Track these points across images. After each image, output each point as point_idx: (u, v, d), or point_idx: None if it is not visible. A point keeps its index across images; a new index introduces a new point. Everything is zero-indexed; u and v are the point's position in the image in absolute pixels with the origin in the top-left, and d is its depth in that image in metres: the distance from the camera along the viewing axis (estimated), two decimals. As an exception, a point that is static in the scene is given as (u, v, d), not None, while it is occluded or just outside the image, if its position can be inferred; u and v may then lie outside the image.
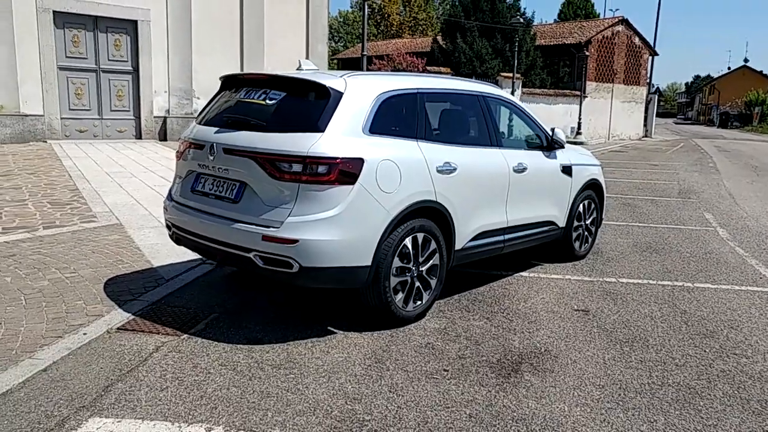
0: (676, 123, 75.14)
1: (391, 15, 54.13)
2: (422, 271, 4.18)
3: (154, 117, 16.70)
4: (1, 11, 13.97)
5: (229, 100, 4.28)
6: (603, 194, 6.60)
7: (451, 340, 3.98)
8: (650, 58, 34.11)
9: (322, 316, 4.26)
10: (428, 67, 22.56)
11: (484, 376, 3.47)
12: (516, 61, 23.14)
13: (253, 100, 4.00)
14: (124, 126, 16.50)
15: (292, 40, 18.51)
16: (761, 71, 69.41)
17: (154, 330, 3.86)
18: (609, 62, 30.38)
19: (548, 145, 5.58)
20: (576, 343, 4.04)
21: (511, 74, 23.24)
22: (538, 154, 5.46)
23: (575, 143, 23.30)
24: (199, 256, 5.41)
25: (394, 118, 4.09)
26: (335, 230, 3.59)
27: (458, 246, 4.47)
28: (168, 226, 4.45)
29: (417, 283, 4.15)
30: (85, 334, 3.72)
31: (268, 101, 3.91)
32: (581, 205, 6.08)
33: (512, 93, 23.01)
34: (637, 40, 32.16)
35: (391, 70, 21.13)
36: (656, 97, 39.75)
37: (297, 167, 3.56)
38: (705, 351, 4.02)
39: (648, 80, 34.66)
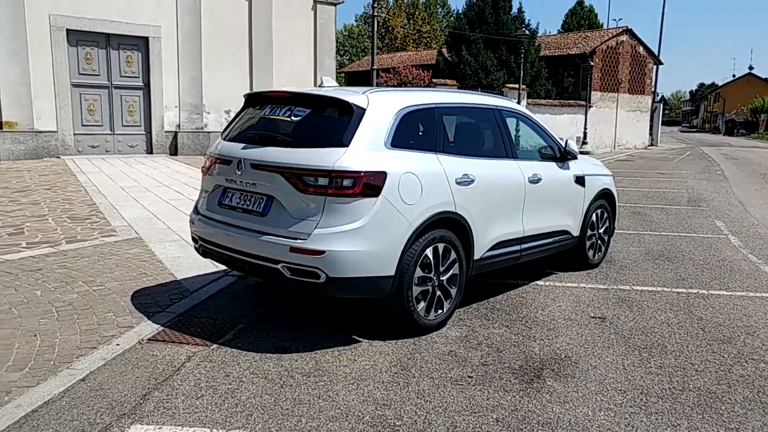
0: (682, 131, 75.05)
1: (396, 28, 54.64)
2: (443, 280, 4.28)
3: (165, 132, 16.94)
4: (16, 30, 14.28)
5: (253, 116, 4.42)
6: (615, 203, 6.69)
7: (473, 347, 4.07)
8: (655, 67, 34.25)
9: (346, 325, 4.37)
10: (434, 80, 22.75)
11: (507, 382, 3.56)
12: (521, 73, 23.31)
13: (278, 117, 4.14)
14: (135, 141, 16.74)
15: (300, 55, 18.77)
16: (766, 78, 69.41)
17: (184, 340, 3.97)
18: (614, 72, 30.52)
19: (561, 156, 5.70)
20: (595, 350, 4.12)
21: (516, 85, 23.41)
22: (552, 165, 5.56)
23: (582, 153, 23.37)
24: (220, 269, 5.54)
25: (414, 132, 4.22)
26: (360, 241, 3.70)
27: (477, 256, 4.58)
28: (195, 239, 4.58)
29: (438, 292, 4.26)
30: (118, 345, 3.84)
31: (293, 118, 4.04)
32: (594, 215, 6.18)
33: (518, 104, 23.15)
34: (641, 49, 32.33)
35: (397, 83, 21.33)
36: (661, 105, 39.83)
37: (323, 181, 3.68)
38: (723, 356, 4.09)
39: (653, 89, 34.77)
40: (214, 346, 3.91)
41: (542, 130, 5.67)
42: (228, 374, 3.50)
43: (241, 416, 3.03)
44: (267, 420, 3.00)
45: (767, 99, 59.15)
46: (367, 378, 3.52)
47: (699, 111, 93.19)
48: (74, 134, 15.63)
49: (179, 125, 17.10)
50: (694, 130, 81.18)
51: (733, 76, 76.19)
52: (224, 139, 4.49)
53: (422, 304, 4.15)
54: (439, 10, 60.15)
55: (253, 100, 4.59)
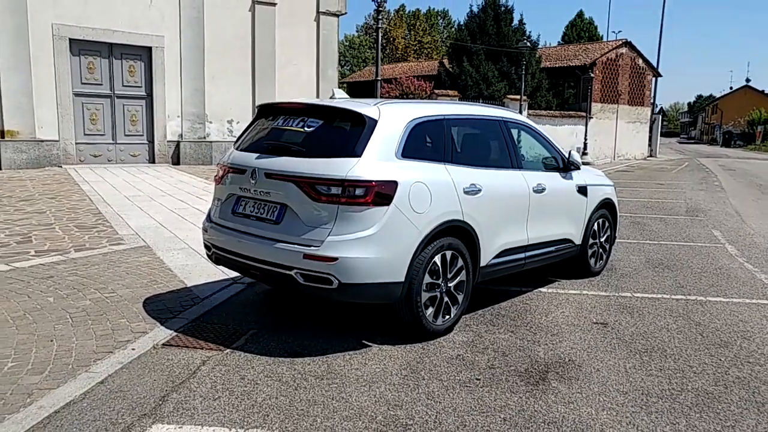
0: (680, 142, 75.49)
1: (397, 39, 55.03)
2: (450, 287, 4.40)
3: (168, 141, 17.05)
4: (18, 39, 14.42)
5: (266, 127, 4.55)
6: (616, 213, 6.82)
7: (480, 351, 4.18)
8: (654, 79, 34.57)
9: (356, 330, 4.47)
10: (435, 91, 22.96)
11: (514, 384, 3.67)
12: (522, 84, 23.54)
13: (291, 128, 4.27)
14: (137, 150, 16.86)
15: (303, 65, 18.95)
16: (763, 90, 69.95)
17: (198, 345, 4.07)
18: (613, 84, 30.81)
19: (565, 166, 5.83)
20: (598, 354, 4.23)
21: (517, 96, 23.64)
22: (556, 176, 5.69)
23: (582, 164, 23.55)
24: (230, 276, 5.65)
25: (423, 142, 4.35)
26: (372, 248, 3.82)
27: (483, 263, 4.69)
28: (207, 247, 4.69)
29: (446, 299, 4.37)
30: (133, 349, 3.94)
31: (306, 128, 4.17)
32: (596, 224, 6.30)
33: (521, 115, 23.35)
34: (640, 61, 32.65)
35: (399, 94, 21.52)
36: (660, 117, 40.15)
37: (336, 190, 3.80)
38: (720, 360, 4.20)
39: (652, 101, 35.07)
40: (228, 350, 4.01)
41: (546, 141, 5.81)
42: (243, 377, 3.60)
43: (258, 416, 3.13)
44: (284, 420, 3.11)
45: (764, 111, 59.63)
46: (378, 380, 3.62)
47: (697, 122, 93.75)
48: (76, 143, 15.73)
49: (182, 135, 17.23)
50: (692, 141, 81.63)
51: (731, 88, 76.80)
52: (237, 149, 4.61)
53: (430, 310, 4.26)
54: (440, 21, 60.66)
55: (266, 111, 4.72)
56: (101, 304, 4.84)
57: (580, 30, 45.78)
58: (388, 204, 3.87)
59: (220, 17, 17.36)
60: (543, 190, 5.32)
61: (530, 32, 30.99)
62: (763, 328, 4.95)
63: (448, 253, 4.31)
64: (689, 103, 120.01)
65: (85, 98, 15.86)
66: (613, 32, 73.93)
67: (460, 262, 4.42)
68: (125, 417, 3.08)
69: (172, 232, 7.76)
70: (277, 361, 3.85)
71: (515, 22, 27.40)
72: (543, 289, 5.86)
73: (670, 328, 4.85)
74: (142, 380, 3.50)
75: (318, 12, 18.94)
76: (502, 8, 27.07)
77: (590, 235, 6.21)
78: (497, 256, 4.84)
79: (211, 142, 17.52)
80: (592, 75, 27.77)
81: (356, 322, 4.66)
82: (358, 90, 39.36)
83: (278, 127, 4.41)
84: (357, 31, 62.35)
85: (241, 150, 4.54)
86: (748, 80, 72.71)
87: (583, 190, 5.97)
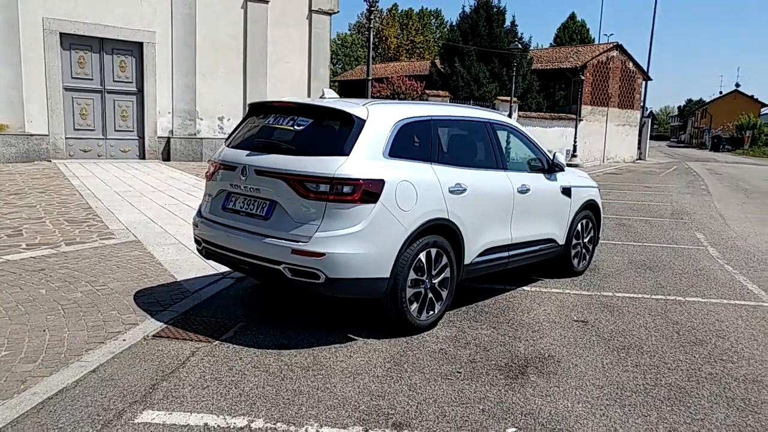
0: (670, 146, 76.22)
1: (389, 38, 55.11)
2: (435, 283, 4.52)
3: (158, 137, 17.07)
4: (9, 32, 14.40)
5: (257, 125, 4.65)
6: (600, 214, 6.97)
7: (462, 346, 4.30)
8: (644, 82, 34.93)
9: (342, 325, 4.58)
10: (427, 91, 23.09)
11: (494, 377, 3.80)
12: (513, 85, 23.73)
13: (282, 126, 4.38)
14: (128, 146, 16.86)
15: (295, 64, 19.02)
16: (752, 95, 70.77)
17: (187, 337, 4.17)
18: (604, 86, 31.11)
19: (549, 168, 5.97)
20: (576, 350, 4.37)
21: (508, 98, 23.82)
22: (540, 177, 5.83)
23: (571, 166, 23.79)
24: (219, 271, 5.74)
25: (410, 142, 4.46)
26: (358, 245, 3.94)
27: (467, 261, 4.82)
28: (198, 242, 4.78)
29: (430, 295, 4.49)
30: (124, 340, 4.03)
31: (296, 127, 4.28)
32: (580, 224, 6.45)
33: (509, 116, 23.55)
34: (631, 65, 32.98)
35: (390, 94, 21.63)
36: (650, 120, 40.55)
37: (324, 187, 3.91)
38: (695, 357, 4.36)
39: (642, 104, 35.44)
40: (217, 342, 4.11)
41: (532, 143, 5.95)
42: (231, 367, 3.71)
43: (245, 405, 3.24)
44: (270, 408, 3.22)
45: (752, 116, 60.35)
46: (362, 372, 3.74)
47: (687, 126, 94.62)
48: (66, 138, 15.72)
49: (172, 131, 17.25)
50: (682, 145, 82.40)
51: (720, 92, 77.57)
52: (228, 146, 4.71)
53: (415, 305, 4.38)
54: (433, 21, 60.84)
55: (257, 109, 4.82)
56: (92, 296, 4.92)
57: (573, 32, 46.09)
58: (374, 202, 3.99)
59: (212, 14, 17.39)
60: (527, 190, 5.45)
61: (522, 34, 31.16)
62: (737, 327, 5.11)
63: (433, 251, 4.43)
64: (679, 107, 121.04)
65: (76, 93, 15.84)
66: (605, 35, 74.09)
67: (445, 260, 4.55)
68: (116, 403, 3.17)
69: (162, 227, 7.83)
70: (264, 353, 3.96)
71: (507, 23, 27.61)
72: (526, 288, 6.00)
73: (648, 326, 5.00)
74: (132, 369, 3.60)
75: (310, 10, 19.02)
76: (495, 9, 27.28)
77: (574, 236, 6.36)
78: (481, 255, 4.97)
79: (201, 138, 17.55)
80: (582, 77, 28.04)
81: (343, 317, 4.77)
82: (349, 89, 39.40)
83: (269, 125, 4.51)
84: (349, 30, 62.45)
85: (232, 147, 4.64)
86: (737, 85, 73.49)
87: (567, 191, 6.11)
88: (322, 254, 3.85)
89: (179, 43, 16.95)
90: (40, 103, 15.14)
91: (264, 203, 4.20)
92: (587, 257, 6.78)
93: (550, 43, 47.05)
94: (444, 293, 4.62)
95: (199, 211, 4.86)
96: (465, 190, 4.67)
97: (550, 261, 6.34)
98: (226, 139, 4.89)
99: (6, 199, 9.31)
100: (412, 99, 20.81)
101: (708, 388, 3.82)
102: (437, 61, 28.81)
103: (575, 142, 27.54)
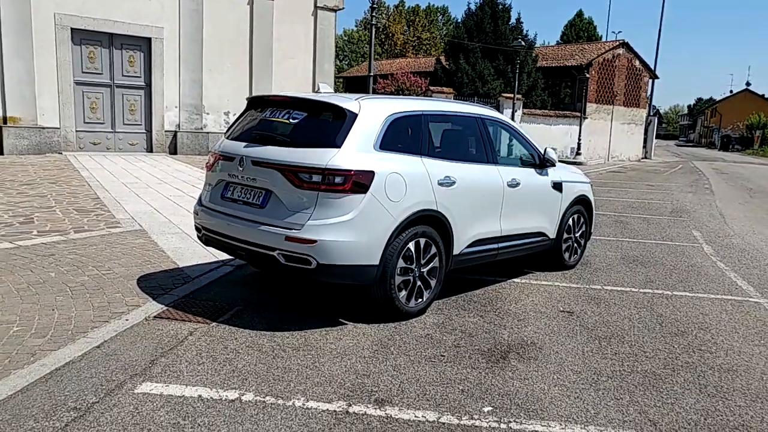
0: (678, 145, 75.92)
1: (396, 34, 55.17)
2: (423, 272, 4.71)
3: (165, 131, 17.34)
4: (21, 28, 14.70)
5: (255, 118, 4.86)
6: (592, 209, 7.12)
7: (448, 332, 4.50)
8: (650, 80, 34.89)
9: (334, 310, 4.79)
10: (431, 87, 23.23)
11: (476, 361, 3.99)
12: (517, 83, 23.83)
13: (278, 119, 4.58)
14: (135, 139, 17.14)
15: (300, 59, 19.22)
16: (763, 95, 70.28)
17: (186, 318, 4.39)
18: (609, 84, 31.13)
19: (540, 163, 6.13)
20: (559, 338, 4.55)
21: (512, 95, 23.93)
22: (531, 172, 6.00)
23: (574, 163, 23.93)
24: (219, 259, 5.96)
25: (401, 136, 4.65)
26: (349, 232, 4.14)
27: (456, 251, 5.01)
28: (198, 229, 5.00)
29: (418, 283, 4.69)
30: (127, 320, 4.26)
31: (291, 120, 4.49)
32: (571, 219, 6.61)
33: (513, 114, 23.67)
34: (637, 63, 32.96)
35: (395, 90, 21.80)
36: (656, 119, 40.48)
37: (317, 178, 4.12)
38: (674, 347, 4.53)
39: (648, 102, 35.40)
40: (214, 323, 4.33)
41: (523, 138, 6.11)
42: (226, 347, 3.92)
43: (237, 380, 3.46)
44: (260, 383, 3.43)
45: (763, 115, 59.98)
46: (350, 353, 3.95)
47: (696, 125, 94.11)
48: (76, 131, 16.03)
49: (179, 125, 17.51)
50: (691, 144, 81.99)
51: (731, 91, 77.08)
52: (227, 138, 4.92)
53: (404, 293, 4.58)
54: (440, 17, 60.84)
55: (255, 103, 5.03)
56: (98, 280, 5.15)
57: (580, 30, 46.07)
58: (364, 192, 4.18)
59: (219, 10, 17.63)
60: (517, 184, 5.63)
61: (527, 31, 31.22)
62: (721, 320, 5.26)
63: (422, 241, 4.62)
64: (689, 106, 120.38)
65: (86, 87, 16.15)
66: (613, 32, 74.46)
67: (434, 250, 4.74)
68: (118, 375, 3.40)
69: (166, 217, 8.07)
70: (258, 334, 4.18)
71: (513, 20, 27.68)
72: (517, 280, 6.18)
73: (632, 318, 5.17)
74: (134, 346, 3.83)
75: (316, 7, 19.22)
76: (500, 6, 27.37)
77: (565, 230, 6.52)
78: (470, 246, 5.15)
79: (207, 132, 17.81)
80: (587, 75, 28.08)
81: (335, 304, 4.98)
82: (355, 85, 39.59)
83: (266, 118, 4.72)
84: (356, 26, 62.56)
85: (231, 139, 4.85)
86: (748, 84, 72.94)
87: (558, 186, 6.27)
88: (314, 241, 4.06)
89: (186, 39, 17.20)
90: (52, 97, 15.45)
91: (260, 192, 4.41)
92: (578, 251, 6.94)
93: (557, 41, 47.06)
94: (433, 282, 4.81)
95: (200, 200, 5.07)
96: (454, 182, 4.85)
97: (542, 254, 6.51)
98: (226, 131, 5.10)
99: (19, 189, 9.58)
100: (417, 95, 20.99)
101: (683, 375, 3.99)
102: (442, 58, 28.94)
103: (579, 140, 27.63)
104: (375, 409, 3.23)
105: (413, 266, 4.60)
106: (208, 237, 4.84)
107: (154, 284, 5.14)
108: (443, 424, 3.14)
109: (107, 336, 3.92)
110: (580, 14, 47.44)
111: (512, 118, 23.51)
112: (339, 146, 4.20)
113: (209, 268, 5.71)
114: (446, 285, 5.16)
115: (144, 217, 7.96)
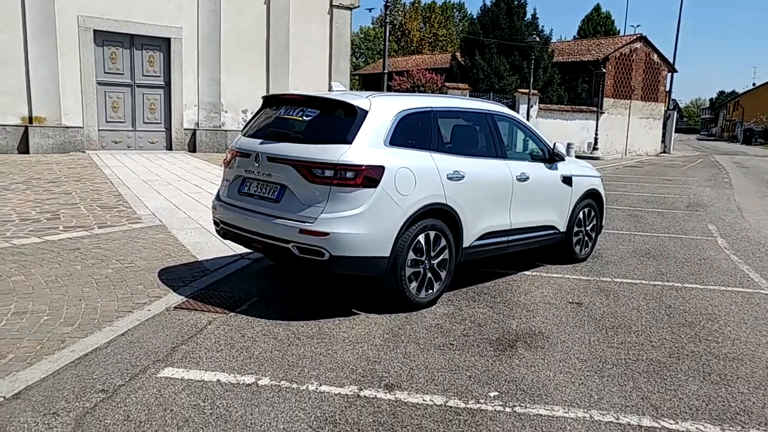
0: (699, 139, 74.80)
1: (412, 31, 55.15)
2: (433, 264, 4.85)
3: (184, 129, 17.66)
4: (46, 30, 15.11)
5: (270, 116, 5.03)
6: (603, 203, 7.19)
7: (458, 322, 4.63)
8: (669, 74, 34.51)
9: (347, 301, 4.95)
10: (447, 83, 23.28)
11: (484, 349, 4.12)
12: (533, 78, 23.77)
13: (292, 117, 4.75)
14: (155, 138, 17.49)
15: (316, 58, 19.42)
16: (787, 87, 68.84)
17: (206, 309, 4.58)
18: (627, 79, 30.86)
19: (550, 157, 6.23)
20: (567, 328, 4.66)
21: (528, 90, 23.89)
22: (540, 166, 6.10)
23: (591, 158, 23.80)
24: (237, 252, 6.16)
25: (410, 132, 4.79)
26: (360, 225, 4.29)
27: (466, 244, 5.13)
28: (216, 223, 5.19)
29: (429, 274, 4.82)
30: (149, 310, 4.46)
31: (304, 117, 4.65)
32: (581, 212, 6.69)
33: (529, 109, 23.61)
34: (655, 56, 32.62)
35: (410, 86, 21.88)
36: (675, 113, 39.98)
37: (329, 173, 4.27)
38: (680, 336, 4.60)
39: (666, 96, 35.01)
40: (232, 314, 4.51)
41: (533, 133, 6.21)
42: (243, 335, 4.11)
43: (254, 365, 3.63)
44: (276, 369, 3.60)
45: (786, 108, 58.84)
46: (362, 341, 4.10)
47: (718, 119, 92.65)
48: (99, 130, 16.42)
49: (198, 123, 17.81)
50: (713, 138, 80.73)
51: (754, 84, 75.59)
52: (244, 135, 5.10)
53: (414, 284, 4.72)
54: (456, 14, 60.69)
55: (270, 101, 5.21)
56: (122, 272, 5.37)
57: (597, 24, 45.65)
58: (375, 186, 4.33)
59: (236, 10, 17.89)
60: (527, 178, 5.73)
61: (543, 26, 31.05)
62: (730, 312, 5.32)
63: (432, 233, 4.75)
64: (711, 99, 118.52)
65: (108, 87, 16.53)
66: (632, 26, 73.49)
67: (443, 242, 4.87)
68: (142, 361, 3.60)
69: (186, 213, 8.30)
70: (274, 323, 4.35)
71: (528, 16, 27.59)
72: (527, 272, 6.28)
73: (640, 309, 5.25)
74: (156, 334, 4.02)
75: (331, 6, 19.39)
76: (516, 2, 27.29)
77: (575, 223, 6.60)
78: (480, 239, 5.27)
79: (225, 130, 18.09)
80: (604, 70, 27.88)
81: (348, 295, 5.14)
82: (371, 82, 39.69)
83: (280, 116, 4.89)
84: (372, 24, 62.66)
85: (247, 136, 5.03)
86: (771, 77, 71.52)
87: (567, 180, 6.36)
88: (327, 234, 4.21)
89: (205, 39, 17.49)
90: (76, 97, 15.86)
91: (275, 187, 4.58)
92: (589, 245, 7.01)
93: (574, 36, 46.68)
94: (443, 273, 4.94)
95: (218, 195, 5.26)
96: (463, 177, 4.97)
97: (553, 247, 6.60)
98: (243, 128, 5.28)
99: (45, 187, 9.91)
100: (432, 92, 21.07)
101: (687, 363, 4.08)
102: (458, 55, 28.95)
103: (596, 134, 27.46)
104: (385, 393, 3.38)
105: (423, 258, 4.74)
106: (225, 230, 5.03)
107: (175, 277, 5.34)
108: (450, 407, 3.27)
109: (131, 325, 4.13)
110: (597, 9, 47.01)
111: (528, 114, 23.47)
112: (350, 142, 4.35)
113: (227, 262, 5.91)
114: (457, 277, 5.28)
115: (164, 213, 8.19)
